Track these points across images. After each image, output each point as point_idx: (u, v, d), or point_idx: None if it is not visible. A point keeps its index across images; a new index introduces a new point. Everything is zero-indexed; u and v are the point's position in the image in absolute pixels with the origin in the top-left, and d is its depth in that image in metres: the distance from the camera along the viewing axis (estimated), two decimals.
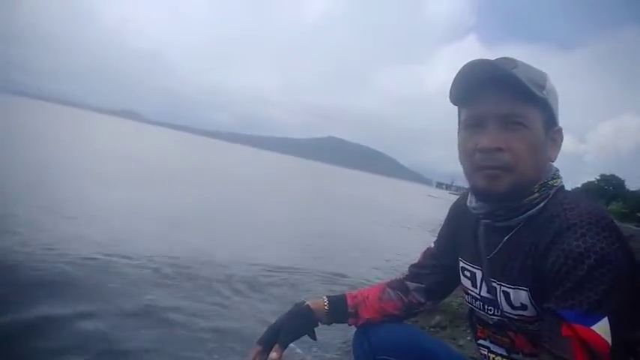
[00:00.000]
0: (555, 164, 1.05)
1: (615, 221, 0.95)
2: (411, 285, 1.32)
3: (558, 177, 1.03)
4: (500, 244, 1.04)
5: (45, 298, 2.97)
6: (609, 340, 0.83)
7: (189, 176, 15.55)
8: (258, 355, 1.24)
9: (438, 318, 3.64)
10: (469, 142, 1.01)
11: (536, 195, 0.99)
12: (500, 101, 0.96)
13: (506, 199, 0.99)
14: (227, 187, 14.98)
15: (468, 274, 1.16)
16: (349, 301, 1.33)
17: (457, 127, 1.06)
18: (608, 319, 0.84)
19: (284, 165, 71.89)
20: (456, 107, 1.07)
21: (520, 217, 1.00)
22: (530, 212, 0.99)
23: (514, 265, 1.01)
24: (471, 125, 1.01)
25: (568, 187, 1.07)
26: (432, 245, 1.33)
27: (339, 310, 1.32)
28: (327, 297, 1.34)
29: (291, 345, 1.28)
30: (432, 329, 3.50)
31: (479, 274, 1.11)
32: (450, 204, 1.33)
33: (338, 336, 3.15)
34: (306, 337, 1.30)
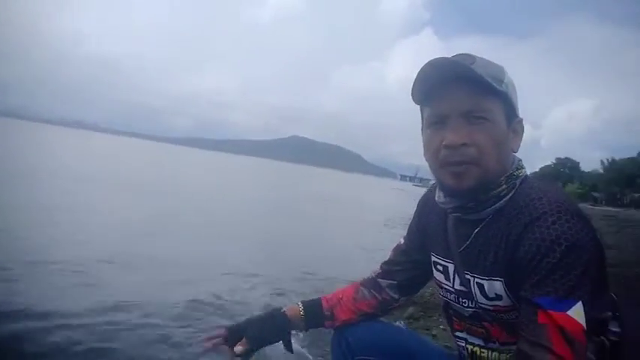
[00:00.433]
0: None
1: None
2: (384, 282, 1.32)
3: (522, 167, 1.05)
4: (471, 237, 1.05)
5: None
6: (584, 323, 0.86)
7: (134, 185, 14.79)
8: (221, 341, 1.27)
9: (410, 309, 3.68)
10: (434, 140, 1.01)
11: (504, 187, 1.00)
12: (462, 97, 0.97)
13: (474, 193, 1.00)
14: (180, 194, 14.38)
15: (440, 268, 1.17)
16: (324, 304, 1.33)
17: (421, 125, 1.08)
18: (582, 303, 0.87)
19: (244, 167, 70.25)
20: (419, 105, 1.08)
21: (489, 209, 1.01)
22: (499, 204, 1.00)
23: (487, 257, 1.02)
24: (434, 123, 1.02)
25: (527, 171, 1.09)
26: (402, 241, 1.33)
27: (314, 314, 1.32)
28: (302, 302, 1.34)
29: (300, 349, 1.25)
30: (405, 321, 3.50)
31: (451, 268, 1.12)
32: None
33: None
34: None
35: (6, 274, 3.72)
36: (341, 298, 1.33)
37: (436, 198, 1.10)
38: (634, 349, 0.99)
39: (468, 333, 1.14)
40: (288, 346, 1.30)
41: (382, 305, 1.32)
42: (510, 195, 1.00)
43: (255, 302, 4.02)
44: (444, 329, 3.14)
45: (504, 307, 1.01)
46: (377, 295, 1.32)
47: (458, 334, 1.17)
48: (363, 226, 12.50)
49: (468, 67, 0.95)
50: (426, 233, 1.23)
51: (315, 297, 1.37)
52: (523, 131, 1.05)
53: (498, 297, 1.01)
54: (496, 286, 1.01)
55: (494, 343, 1.08)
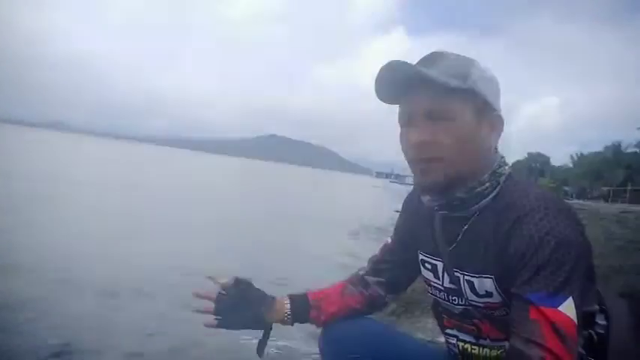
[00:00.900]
0: None
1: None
2: (371, 280, 1.32)
3: (505, 164, 1.05)
4: (460, 235, 1.06)
5: None
6: (575, 318, 0.87)
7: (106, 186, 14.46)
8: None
9: (393, 306, 3.64)
10: (403, 139, 1.04)
11: (488, 185, 1.01)
12: (422, 99, 0.99)
13: (447, 189, 1.02)
14: (158, 195, 14.22)
15: (429, 266, 1.17)
16: (311, 298, 1.32)
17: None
18: (573, 298, 0.88)
19: (221, 167, 68.36)
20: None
21: (475, 206, 1.02)
22: (484, 201, 1.02)
23: (476, 255, 1.03)
24: (402, 123, 1.04)
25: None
26: (389, 240, 1.33)
27: (301, 306, 1.30)
28: (289, 295, 1.32)
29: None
30: (387, 318, 3.49)
31: (440, 266, 1.13)
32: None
33: None
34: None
35: None
36: (328, 294, 1.33)
37: (421, 197, 1.11)
38: (617, 341, 1.01)
39: (458, 330, 1.14)
40: (262, 344, 1.29)
41: (369, 302, 1.32)
42: (495, 192, 1.01)
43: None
44: (428, 326, 3.14)
45: (495, 303, 1.02)
46: (364, 291, 1.32)
47: (448, 331, 1.18)
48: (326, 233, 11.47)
49: (421, 72, 0.96)
50: (412, 231, 1.23)
51: None
52: (502, 125, 1.04)
53: (489, 294, 1.02)
54: (486, 284, 1.01)
55: (485, 339, 1.09)
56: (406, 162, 1.06)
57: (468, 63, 1.01)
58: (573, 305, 0.88)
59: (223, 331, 1.27)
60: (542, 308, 0.87)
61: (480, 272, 1.02)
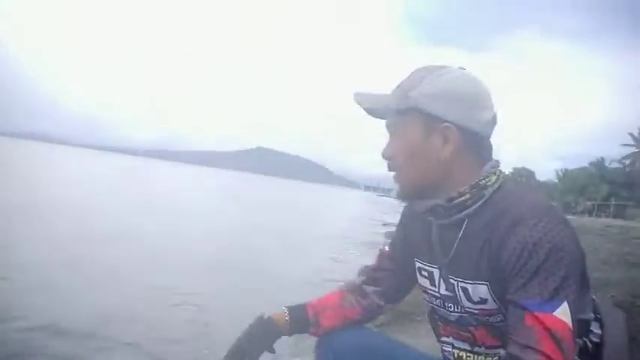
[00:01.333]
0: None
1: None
2: (369, 289, 1.33)
3: (490, 174, 1.05)
4: (455, 243, 1.07)
5: None
6: (570, 323, 0.89)
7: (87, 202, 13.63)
8: None
9: (381, 317, 3.61)
10: None
11: (468, 196, 1.03)
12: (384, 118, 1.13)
13: (416, 197, 1.10)
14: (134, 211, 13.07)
15: (425, 273, 1.18)
16: (309, 310, 1.31)
17: None
18: (567, 303, 0.89)
19: (206, 180, 65.56)
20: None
21: (459, 215, 1.05)
22: (467, 211, 1.04)
23: (471, 262, 1.04)
24: None
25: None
26: (387, 248, 1.35)
27: (300, 319, 1.30)
28: (287, 307, 1.32)
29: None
30: (376, 328, 3.47)
31: (436, 273, 1.14)
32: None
33: None
34: None
35: None
36: (326, 305, 1.32)
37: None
38: (612, 351, 1.03)
39: (454, 338, 1.15)
40: (271, 349, 1.29)
41: (367, 312, 1.32)
42: (480, 203, 1.03)
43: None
44: (413, 335, 3.14)
45: (490, 310, 1.03)
46: (362, 300, 1.32)
47: (444, 339, 1.18)
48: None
49: (363, 101, 1.11)
50: (409, 239, 1.24)
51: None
52: (455, 136, 1.03)
53: (483, 300, 1.03)
54: (481, 290, 1.03)
55: (481, 347, 1.10)
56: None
57: (417, 78, 1.06)
58: (568, 310, 0.89)
59: None
60: (538, 314, 0.89)
61: (474, 279, 1.04)
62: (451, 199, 1.04)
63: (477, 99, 1.05)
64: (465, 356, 1.13)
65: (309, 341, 1.45)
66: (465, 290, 1.06)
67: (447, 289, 1.11)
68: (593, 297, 1.07)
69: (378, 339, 1.31)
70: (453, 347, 1.16)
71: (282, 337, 1.30)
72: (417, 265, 1.21)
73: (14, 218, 8.73)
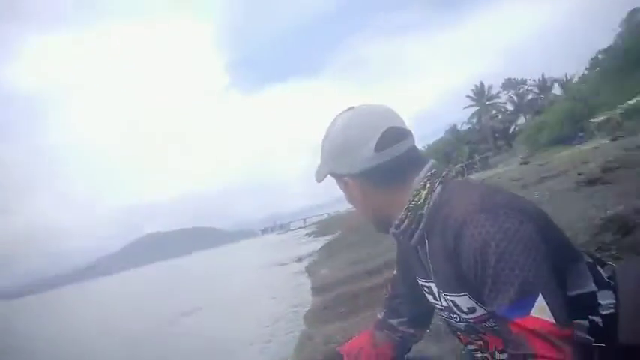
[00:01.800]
0: None
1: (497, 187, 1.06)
2: (394, 321, 1.35)
3: (420, 191, 1.04)
4: (429, 260, 1.09)
5: None
6: (550, 316, 0.85)
7: None
8: None
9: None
10: None
11: (407, 221, 1.05)
12: None
13: (380, 230, 1.16)
14: None
15: (426, 289, 1.19)
16: (345, 358, 1.33)
17: None
18: (542, 294, 0.87)
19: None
20: None
21: (415, 236, 1.06)
22: (418, 233, 1.05)
23: (445, 275, 1.05)
24: None
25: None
26: (395, 272, 1.37)
27: None
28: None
29: None
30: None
31: (434, 287, 1.14)
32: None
33: None
34: None
35: None
36: (361, 348, 1.34)
37: None
38: (632, 318, 0.97)
39: (472, 345, 1.15)
40: None
41: (402, 344, 1.34)
42: (425, 220, 1.03)
43: None
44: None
45: (481, 316, 1.03)
46: (393, 335, 1.35)
47: (469, 347, 1.17)
48: None
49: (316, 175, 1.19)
50: (407, 259, 1.25)
51: None
52: (356, 183, 1.10)
53: (471, 309, 1.04)
54: (465, 300, 1.04)
55: (499, 352, 1.06)
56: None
57: (324, 141, 1.14)
58: (544, 302, 0.86)
59: None
60: (517, 320, 0.87)
61: (454, 291, 1.05)
62: (397, 227, 1.07)
63: (351, 143, 1.06)
64: None
65: None
66: (454, 302, 1.07)
67: (445, 302, 1.12)
68: (609, 262, 1.06)
69: None
70: (480, 353, 1.14)
71: None
72: (420, 282, 1.22)
73: None
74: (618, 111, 24.05)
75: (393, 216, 1.06)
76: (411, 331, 1.32)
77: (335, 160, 1.09)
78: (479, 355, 1.14)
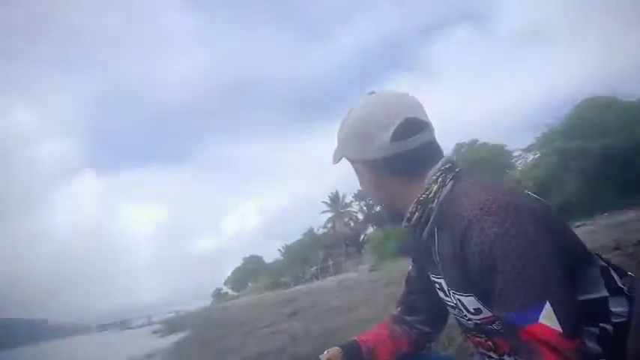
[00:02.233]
0: None
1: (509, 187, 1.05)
2: (410, 319, 1.35)
3: (432, 184, 1.04)
4: (437, 256, 1.08)
5: None
6: (557, 326, 0.84)
7: None
8: None
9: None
10: None
11: (418, 214, 1.05)
12: None
13: (392, 221, 1.15)
14: None
15: (438, 285, 1.18)
16: (363, 347, 1.32)
17: None
18: (550, 302, 0.85)
19: None
20: None
21: (424, 231, 1.06)
22: (428, 227, 1.05)
23: (453, 273, 1.04)
24: None
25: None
26: (410, 269, 1.35)
27: (355, 357, 1.30)
28: (341, 346, 1.32)
29: None
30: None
31: (444, 284, 1.12)
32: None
33: None
34: None
35: None
36: (379, 340, 1.33)
37: None
38: None
39: (483, 348, 1.13)
40: None
41: (418, 341, 1.34)
42: (435, 214, 1.03)
43: None
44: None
45: (488, 318, 1.01)
46: (409, 331, 1.34)
47: (480, 350, 1.16)
48: None
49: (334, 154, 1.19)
50: (420, 254, 1.24)
51: None
52: (368, 169, 1.11)
53: (478, 311, 1.03)
54: (471, 301, 1.02)
55: (502, 355, 1.07)
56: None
57: (343, 122, 1.14)
58: (552, 311, 0.85)
59: None
60: (527, 327, 0.86)
61: (461, 291, 1.04)
62: (408, 220, 1.07)
63: (367, 129, 1.06)
64: None
65: None
66: (461, 302, 1.06)
67: (454, 300, 1.10)
68: (630, 273, 1.03)
69: None
70: (489, 357, 1.12)
71: None
72: (432, 278, 1.20)
73: None
74: None
75: (405, 208, 1.05)
76: (427, 329, 1.32)
77: (349, 144, 1.09)
78: (489, 355, 1.11)
